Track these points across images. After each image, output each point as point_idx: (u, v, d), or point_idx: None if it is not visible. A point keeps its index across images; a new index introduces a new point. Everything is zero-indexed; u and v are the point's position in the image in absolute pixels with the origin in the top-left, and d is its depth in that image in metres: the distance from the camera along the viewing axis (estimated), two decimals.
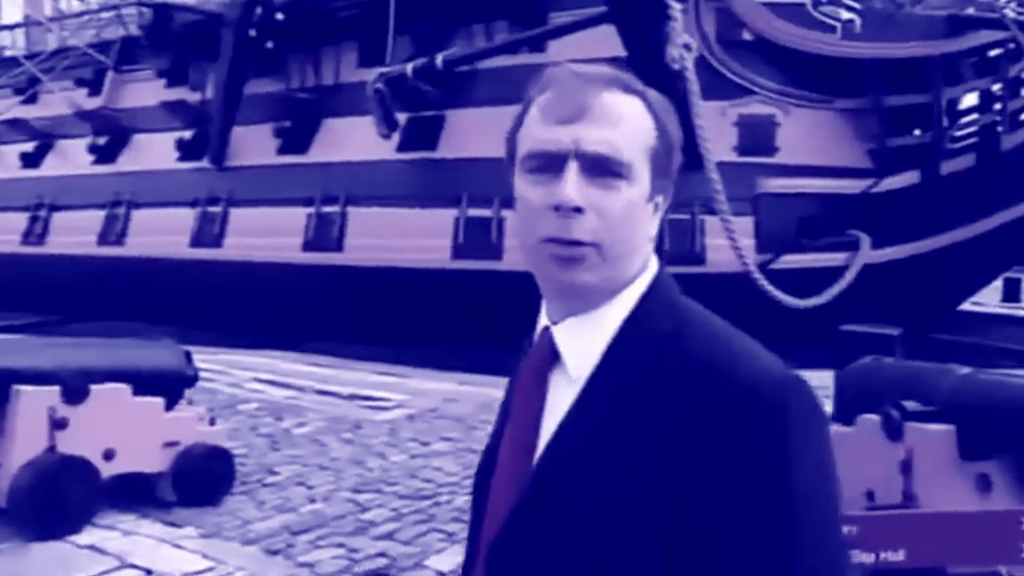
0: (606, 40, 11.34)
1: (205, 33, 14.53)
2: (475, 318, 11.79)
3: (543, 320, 1.06)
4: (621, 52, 11.28)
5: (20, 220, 16.98)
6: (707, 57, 11.69)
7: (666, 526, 0.87)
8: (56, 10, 20.96)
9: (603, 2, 10.89)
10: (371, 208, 13.11)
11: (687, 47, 10.62)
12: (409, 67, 12.36)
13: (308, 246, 13.66)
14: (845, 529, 2.75)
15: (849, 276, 11.35)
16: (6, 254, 16.78)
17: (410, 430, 6.87)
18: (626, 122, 0.98)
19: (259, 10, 14.02)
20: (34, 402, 4.45)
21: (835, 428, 4.10)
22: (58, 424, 4.48)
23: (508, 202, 12.53)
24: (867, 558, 2.64)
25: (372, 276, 12.69)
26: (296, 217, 13.75)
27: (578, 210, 0.95)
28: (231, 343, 11.46)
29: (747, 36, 12.04)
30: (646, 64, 11.03)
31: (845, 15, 11.86)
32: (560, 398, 1.00)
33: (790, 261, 11.56)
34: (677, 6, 10.66)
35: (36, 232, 16.77)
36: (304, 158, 14.20)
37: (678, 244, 11.69)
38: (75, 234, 16.03)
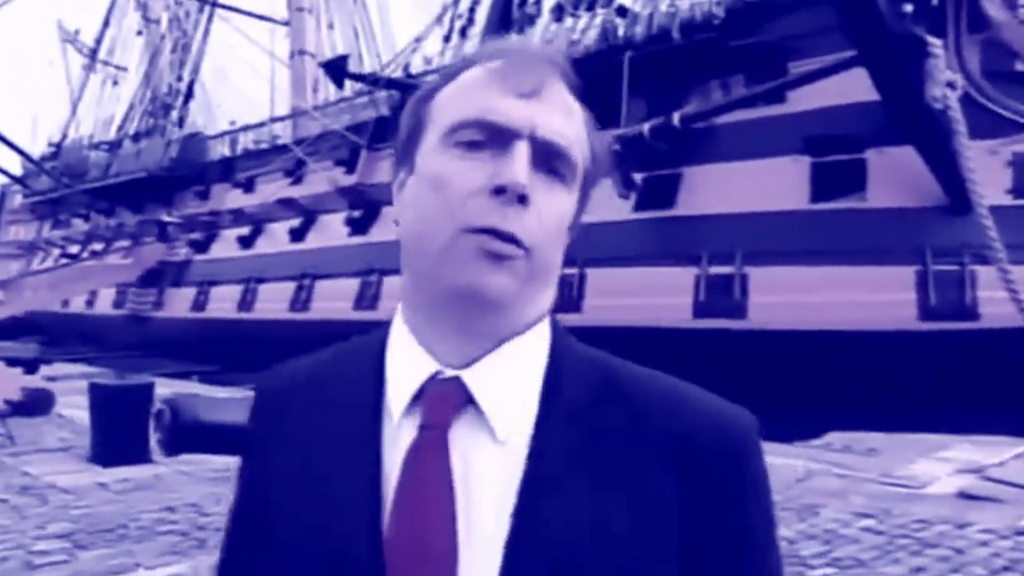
0: (851, 83, 10.82)
1: None
2: (718, 378, 11.41)
3: (424, 365, 0.80)
4: (870, 95, 10.72)
5: (288, 290, 18.82)
6: (972, 93, 10.78)
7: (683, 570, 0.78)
8: (318, 100, 23.41)
9: (852, 45, 10.37)
10: (609, 268, 13.20)
11: (951, 85, 9.88)
12: (646, 127, 12.44)
13: None
14: None
15: None
16: (276, 320, 18.60)
17: None
18: (579, 124, 0.82)
19: None
20: None
21: None
22: None
23: (751, 258, 12.14)
24: None
25: (611, 336, 12.66)
26: None
27: (523, 200, 0.76)
28: None
29: (1020, 67, 11.00)
30: (904, 106, 10.40)
31: None
32: (479, 467, 0.77)
33: None
34: (937, 42, 9.98)
35: (301, 300, 18.49)
36: None
37: (946, 297, 10.72)
38: (334, 300, 17.51)
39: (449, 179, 0.77)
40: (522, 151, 0.77)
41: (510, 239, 0.75)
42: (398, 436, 0.79)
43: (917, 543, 5.01)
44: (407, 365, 0.81)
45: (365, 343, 0.87)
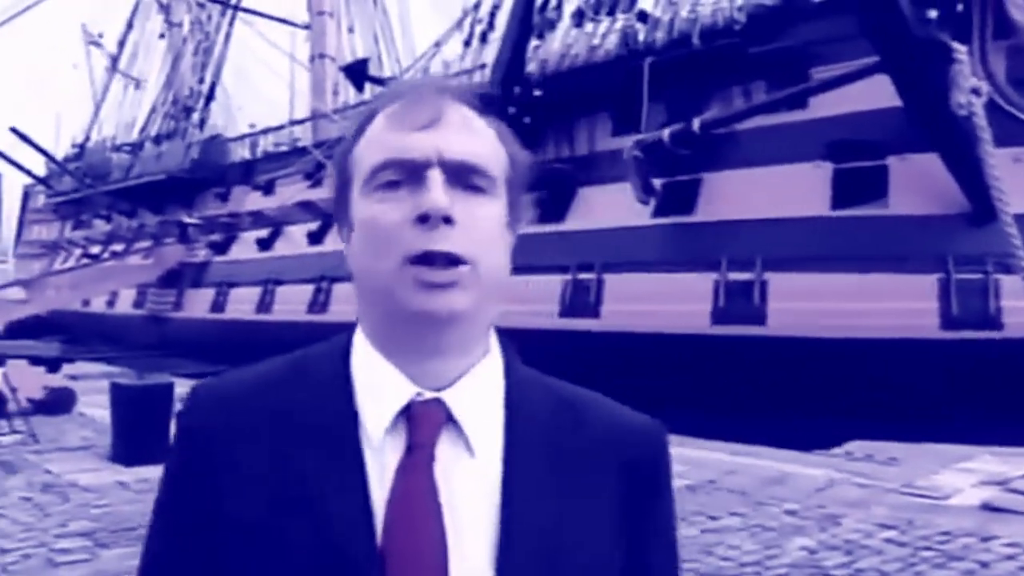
0: (874, 90, 10.74)
1: None
2: (737, 385, 11.36)
3: (403, 387, 0.83)
4: (893, 102, 10.63)
5: (306, 292, 18.87)
6: (997, 100, 10.67)
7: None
8: (337, 103, 23.51)
9: (876, 51, 10.30)
10: (628, 274, 13.16)
11: (976, 91, 9.78)
12: (666, 132, 12.40)
13: (565, 312, 13.93)
14: None
15: None
16: (294, 322, 18.66)
17: (693, 502, 6.61)
18: (486, 137, 0.87)
19: (518, 89, 14.81)
20: None
21: None
22: None
23: (771, 264, 12.04)
24: None
25: (629, 342, 12.65)
26: (552, 284, 14.10)
27: (448, 220, 0.81)
28: None
29: None
30: (928, 112, 10.31)
31: None
32: (459, 482, 0.81)
33: None
34: (962, 48, 9.89)
35: (319, 302, 18.53)
36: (560, 226, 14.62)
37: (968, 307, 10.60)
38: (351, 303, 17.48)
39: (377, 221, 0.83)
40: (435, 177, 0.82)
41: (447, 260, 0.80)
42: (381, 453, 0.82)
43: (941, 555, 4.96)
44: (384, 386, 0.84)
45: (322, 355, 0.90)
